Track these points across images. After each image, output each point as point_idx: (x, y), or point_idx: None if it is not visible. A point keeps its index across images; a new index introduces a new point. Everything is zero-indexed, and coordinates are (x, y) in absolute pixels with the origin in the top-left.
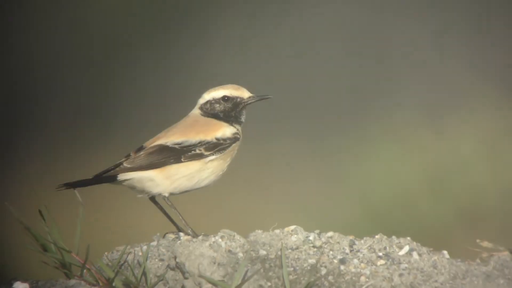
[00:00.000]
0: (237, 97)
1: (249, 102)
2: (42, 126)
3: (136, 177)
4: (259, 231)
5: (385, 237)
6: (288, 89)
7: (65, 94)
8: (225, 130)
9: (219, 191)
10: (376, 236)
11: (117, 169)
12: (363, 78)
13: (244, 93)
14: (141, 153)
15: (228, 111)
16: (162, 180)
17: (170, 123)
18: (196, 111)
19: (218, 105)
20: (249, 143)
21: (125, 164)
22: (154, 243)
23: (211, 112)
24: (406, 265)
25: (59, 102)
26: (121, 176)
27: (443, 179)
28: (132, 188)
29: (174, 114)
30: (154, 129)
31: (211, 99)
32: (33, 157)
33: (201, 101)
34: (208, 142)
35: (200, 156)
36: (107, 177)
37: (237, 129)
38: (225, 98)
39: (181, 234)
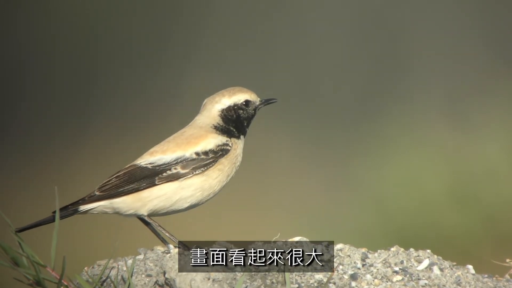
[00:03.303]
0: (255, 102)
1: (260, 107)
2: (18, 124)
3: (103, 204)
4: (260, 243)
5: (402, 249)
6: (293, 86)
7: (43, 90)
8: (208, 142)
9: (213, 198)
10: (392, 249)
11: (80, 200)
12: (377, 74)
13: (256, 97)
14: (113, 177)
15: (250, 118)
16: (133, 202)
17: (153, 125)
18: (202, 118)
19: (241, 111)
20: (251, 144)
21: (95, 192)
22: (141, 256)
23: (233, 119)
24: (426, 281)
25: (37, 99)
26: (84, 207)
27: (468, 184)
28: (104, 213)
29: (160, 116)
30: (136, 130)
31: (232, 104)
32: (5, 157)
33: (220, 106)
34: (186, 159)
35: (176, 176)
36: (67, 210)
37: (231, 141)
38: (247, 103)
39: (171, 246)
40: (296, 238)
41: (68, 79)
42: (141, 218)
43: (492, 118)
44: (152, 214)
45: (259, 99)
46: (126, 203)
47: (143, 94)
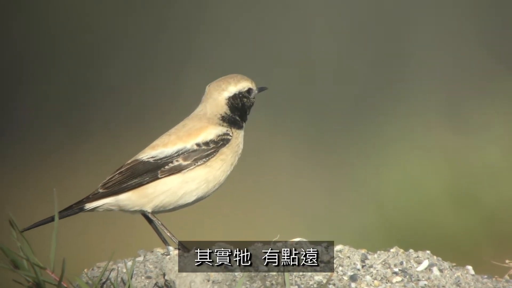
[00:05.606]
0: (255, 90)
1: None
2: (18, 122)
3: (108, 202)
4: (259, 244)
5: (401, 250)
6: (293, 87)
7: (39, 88)
8: (209, 133)
9: (213, 198)
10: (392, 250)
11: (85, 198)
12: (377, 76)
13: (255, 85)
14: (116, 173)
15: (251, 106)
16: (138, 199)
17: (152, 120)
18: (208, 107)
19: (246, 99)
20: (251, 145)
21: (99, 190)
22: (140, 258)
23: (239, 107)
24: (426, 282)
25: (37, 97)
26: (90, 205)
27: (468, 185)
28: (110, 210)
29: (158, 110)
30: (138, 128)
31: (238, 92)
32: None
33: (227, 94)
34: (187, 150)
35: (179, 169)
36: (73, 209)
37: (231, 130)
38: (250, 91)
39: (171, 248)
40: (296, 239)
41: (68, 77)
42: (145, 215)
43: (491, 118)
44: (160, 211)
45: (255, 87)
46: (131, 200)
47: (143, 91)
